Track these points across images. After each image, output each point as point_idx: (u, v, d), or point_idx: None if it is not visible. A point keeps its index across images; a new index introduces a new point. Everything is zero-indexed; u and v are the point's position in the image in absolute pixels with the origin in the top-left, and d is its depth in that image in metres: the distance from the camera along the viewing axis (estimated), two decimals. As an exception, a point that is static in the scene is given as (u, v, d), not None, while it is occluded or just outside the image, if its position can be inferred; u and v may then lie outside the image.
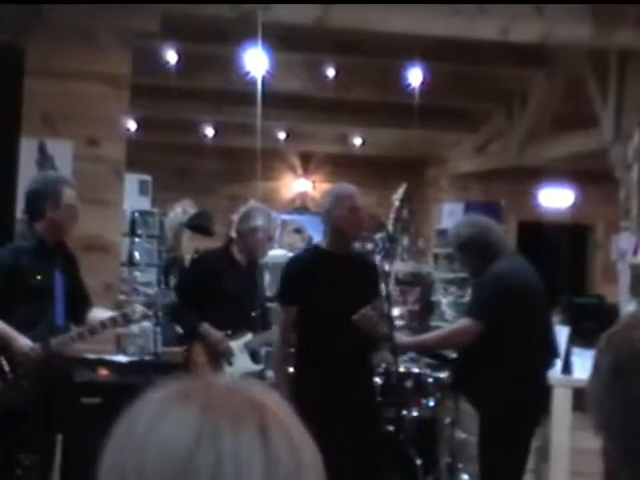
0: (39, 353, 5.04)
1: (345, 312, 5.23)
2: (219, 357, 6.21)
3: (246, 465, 0.97)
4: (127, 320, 5.38)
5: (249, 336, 6.25)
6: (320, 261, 5.38)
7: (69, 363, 5.45)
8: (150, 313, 5.61)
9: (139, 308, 5.37)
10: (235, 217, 6.68)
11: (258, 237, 6.36)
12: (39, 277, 5.18)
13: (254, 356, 6.35)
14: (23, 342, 5.03)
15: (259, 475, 0.98)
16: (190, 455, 0.97)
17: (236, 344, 6.24)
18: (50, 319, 5.18)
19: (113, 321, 5.32)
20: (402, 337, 5.91)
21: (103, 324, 5.27)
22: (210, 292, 6.21)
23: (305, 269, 5.39)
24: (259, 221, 6.37)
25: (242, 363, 6.23)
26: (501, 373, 5.45)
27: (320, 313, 5.26)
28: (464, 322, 5.52)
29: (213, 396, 1.03)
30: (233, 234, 6.57)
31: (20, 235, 5.47)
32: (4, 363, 5.05)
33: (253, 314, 6.28)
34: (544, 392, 5.77)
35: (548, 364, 5.75)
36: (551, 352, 5.74)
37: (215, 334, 6.19)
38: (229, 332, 6.23)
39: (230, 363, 6.21)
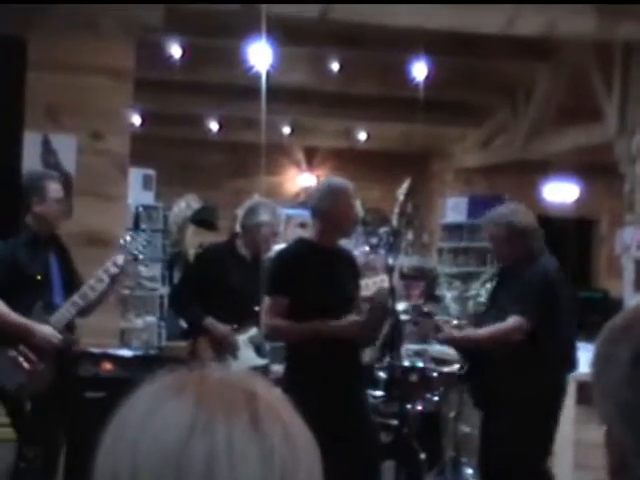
0: (60, 339, 5.12)
1: (335, 306, 5.27)
2: (224, 351, 6.20)
3: (241, 456, 0.97)
4: (109, 274, 5.33)
5: (254, 330, 6.23)
6: (310, 255, 5.37)
7: (75, 357, 5.47)
8: (130, 257, 5.51)
9: (119, 257, 5.37)
10: (240, 212, 6.67)
11: (263, 233, 6.33)
12: (36, 270, 5.26)
13: (259, 350, 6.34)
14: (44, 329, 5.11)
15: (255, 466, 0.97)
16: (183, 447, 0.97)
17: (241, 338, 6.24)
18: (48, 305, 5.23)
19: (99, 280, 5.30)
20: (453, 331, 5.82)
21: (91, 286, 5.29)
22: (214, 286, 6.21)
23: (295, 262, 5.37)
24: (264, 216, 6.34)
25: (247, 357, 6.22)
26: (533, 368, 5.44)
27: (310, 307, 5.23)
28: (518, 320, 5.36)
29: (206, 388, 1.02)
30: (238, 229, 6.56)
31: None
32: (27, 353, 5.09)
33: (257, 308, 6.27)
34: (564, 391, 5.71)
35: (571, 367, 5.70)
36: (574, 358, 5.71)
37: (221, 328, 6.19)
38: (235, 326, 6.23)
39: (235, 357, 6.21)
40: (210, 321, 6.18)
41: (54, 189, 5.37)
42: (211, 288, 6.21)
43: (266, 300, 5.39)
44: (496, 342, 5.57)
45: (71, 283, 5.43)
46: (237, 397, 1.01)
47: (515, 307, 5.43)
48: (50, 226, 5.40)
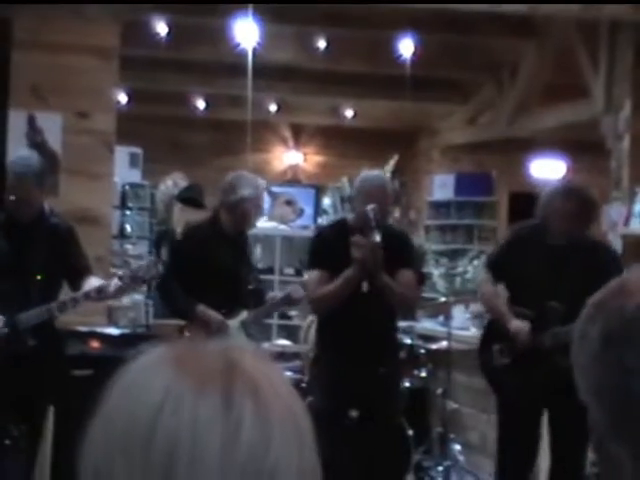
0: (1, 325, 5.01)
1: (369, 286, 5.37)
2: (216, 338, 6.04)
3: (203, 436, 0.94)
4: (101, 295, 5.23)
5: (244, 314, 6.08)
6: (347, 235, 5.46)
7: (58, 336, 5.41)
8: (125, 287, 5.32)
9: (114, 283, 5.23)
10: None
11: (246, 208, 6.08)
12: (9, 254, 5.12)
13: (249, 333, 6.18)
14: None
15: (217, 441, 0.94)
16: (152, 422, 0.95)
17: (232, 323, 6.03)
18: (22, 294, 5.11)
19: (86, 296, 5.17)
20: None
21: (74, 299, 5.17)
22: (200, 267, 5.95)
23: (333, 240, 5.51)
24: (246, 191, 6.07)
25: (239, 342, 6.03)
26: None
27: None
28: None
29: (187, 360, 1.00)
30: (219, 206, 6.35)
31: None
32: None
33: (250, 287, 6.17)
34: None
35: None
36: None
37: (214, 316, 5.96)
38: (223, 311, 6.06)
39: None
40: (201, 309, 5.94)
41: (9, 186, 5.22)
42: (197, 269, 5.97)
43: (309, 275, 5.50)
44: None
45: (62, 269, 5.29)
46: (214, 370, 0.98)
47: None
48: (18, 215, 5.24)
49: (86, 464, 0.99)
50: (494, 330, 5.58)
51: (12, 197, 5.20)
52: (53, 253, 5.27)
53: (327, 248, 5.49)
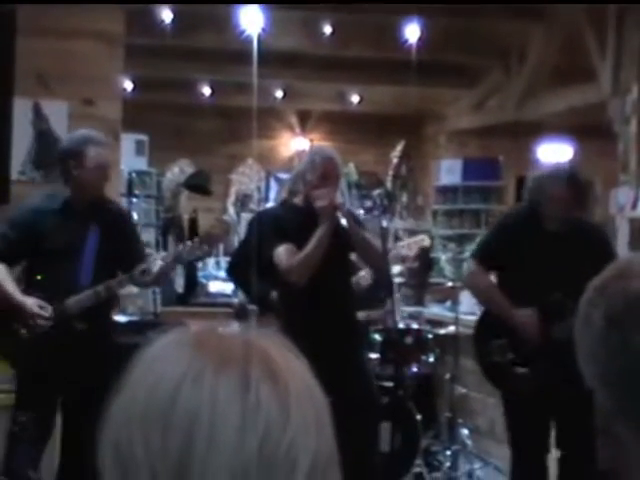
0: (49, 315, 5.02)
1: (323, 268, 5.30)
2: None
3: (222, 412, 0.96)
4: (144, 277, 5.22)
5: None
6: (294, 214, 5.48)
7: (108, 319, 5.44)
8: (168, 268, 5.38)
9: (158, 264, 5.23)
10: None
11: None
12: (61, 241, 5.09)
13: None
14: (30, 302, 5.01)
15: (235, 420, 0.96)
16: (171, 398, 0.97)
17: None
18: (71, 279, 5.11)
19: (130, 278, 5.22)
20: None
21: (120, 282, 5.23)
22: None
23: (288, 217, 5.49)
24: None
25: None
26: None
27: None
28: None
29: (207, 340, 1.02)
30: (285, 194, 6.45)
31: (47, 196, 5.36)
32: (18, 325, 5.04)
33: None
34: None
35: None
36: None
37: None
38: None
39: None
40: (275, 295, 6.01)
41: (94, 154, 5.11)
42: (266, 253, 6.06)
43: (278, 250, 5.38)
44: None
45: (118, 255, 5.25)
46: (233, 350, 1.00)
47: None
48: (90, 193, 5.18)
49: (107, 438, 1.01)
50: (490, 323, 5.33)
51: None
52: (112, 239, 5.25)
53: (285, 224, 5.45)
